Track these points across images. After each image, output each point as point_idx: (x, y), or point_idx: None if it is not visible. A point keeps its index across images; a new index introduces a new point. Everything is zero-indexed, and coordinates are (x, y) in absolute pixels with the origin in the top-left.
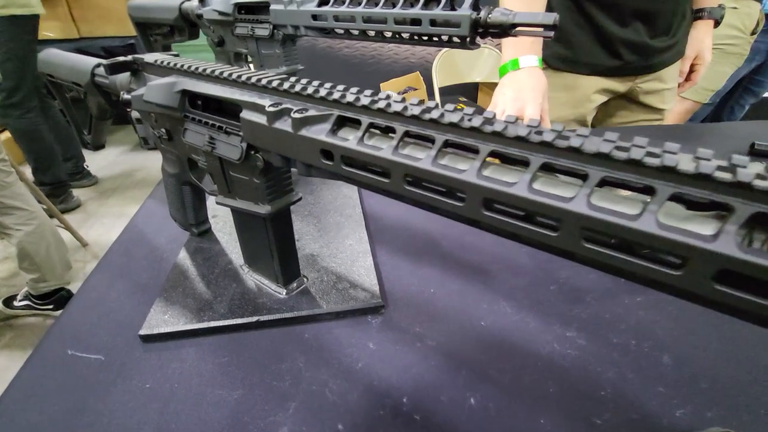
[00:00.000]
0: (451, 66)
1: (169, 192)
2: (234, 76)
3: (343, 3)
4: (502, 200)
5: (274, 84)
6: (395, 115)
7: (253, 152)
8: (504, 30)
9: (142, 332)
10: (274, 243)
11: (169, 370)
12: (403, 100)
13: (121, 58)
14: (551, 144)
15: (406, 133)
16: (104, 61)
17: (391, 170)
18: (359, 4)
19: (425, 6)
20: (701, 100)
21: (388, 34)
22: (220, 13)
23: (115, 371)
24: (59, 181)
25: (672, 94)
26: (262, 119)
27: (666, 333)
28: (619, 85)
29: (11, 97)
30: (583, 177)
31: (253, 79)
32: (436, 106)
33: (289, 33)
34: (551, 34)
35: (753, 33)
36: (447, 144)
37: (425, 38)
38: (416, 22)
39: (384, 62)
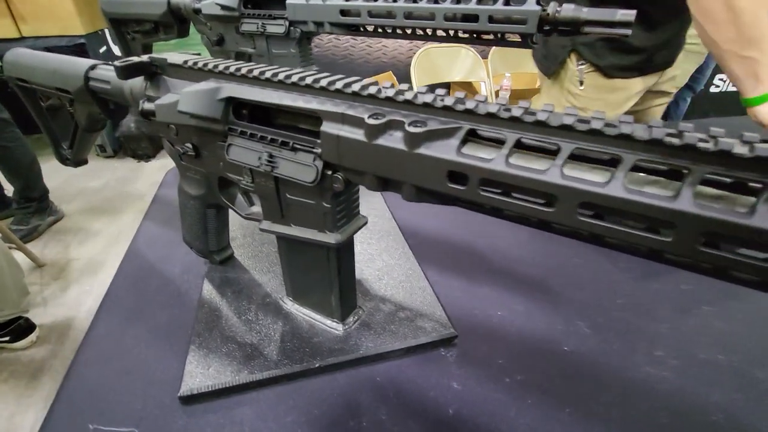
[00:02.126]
0: (429, 66)
1: (187, 215)
2: (308, 80)
3: None
4: (729, 233)
5: (371, 91)
6: (561, 129)
7: (330, 172)
8: (575, 27)
9: (182, 392)
10: (336, 275)
11: None
12: (562, 112)
13: (136, 59)
14: None
15: (573, 151)
16: (115, 63)
17: (558, 197)
18: None
19: (480, 1)
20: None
21: (429, 32)
22: (223, 7)
23: None
24: (45, 193)
25: (682, 75)
26: (356, 134)
27: (748, 344)
28: (650, 80)
29: None
30: None
31: (338, 85)
32: (602, 113)
33: (310, 30)
34: (628, 32)
35: None
36: (635, 166)
37: (475, 36)
38: (469, 18)
39: (356, 62)
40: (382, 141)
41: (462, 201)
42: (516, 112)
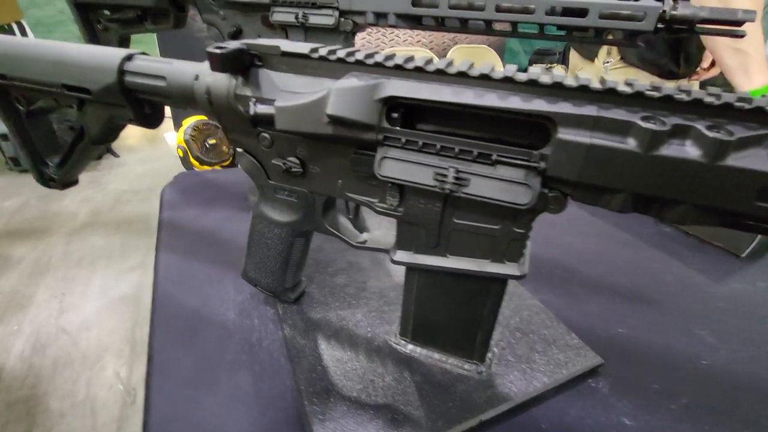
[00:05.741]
0: None
1: (263, 247)
2: (534, 76)
3: None
4: None
5: (639, 88)
6: None
7: (547, 190)
8: (690, 26)
9: None
10: (492, 311)
11: None
12: None
13: (233, 45)
14: None
15: None
16: (209, 49)
17: None
18: None
19: None
20: None
21: (511, 27)
22: None
23: None
24: None
25: None
26: (621, 143)
27: None
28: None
29: None
30: None
31: (583, 80)
32: None
33: (369, 22)
34: (744, 33)
35: None
36: None
37: (568, 32)
38: (573, 12)
39: None
40: (666, 151)
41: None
42: None
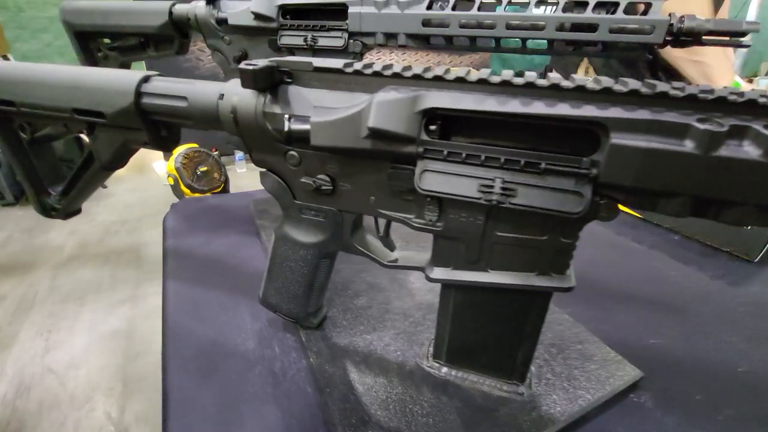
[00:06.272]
0: None
1: (286, 270)
2: (584, 83)
3: (472, 5)
4: None
5: (692, 91)
6: None
7: (598, 198)
8: (696, 38)
9: None
10: (536, 327)
11: None
12: None
13: (263, 63)
14: None
15: None
16: (242, 66)
17: None
18: (479, 7)
19: (596, 9)
20: None
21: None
22: (259, 17)
23: None
24: None
25: None
26: (678, 145)
27: None
28: None
29: None
30: None
31: (633, 85)
32: None
33: (379, 43)
34: (748, 44)
35: None
36: None
37: (576, 48)
38: (582, 27)
39: None
40: (725, 152)
41: None
42: None
